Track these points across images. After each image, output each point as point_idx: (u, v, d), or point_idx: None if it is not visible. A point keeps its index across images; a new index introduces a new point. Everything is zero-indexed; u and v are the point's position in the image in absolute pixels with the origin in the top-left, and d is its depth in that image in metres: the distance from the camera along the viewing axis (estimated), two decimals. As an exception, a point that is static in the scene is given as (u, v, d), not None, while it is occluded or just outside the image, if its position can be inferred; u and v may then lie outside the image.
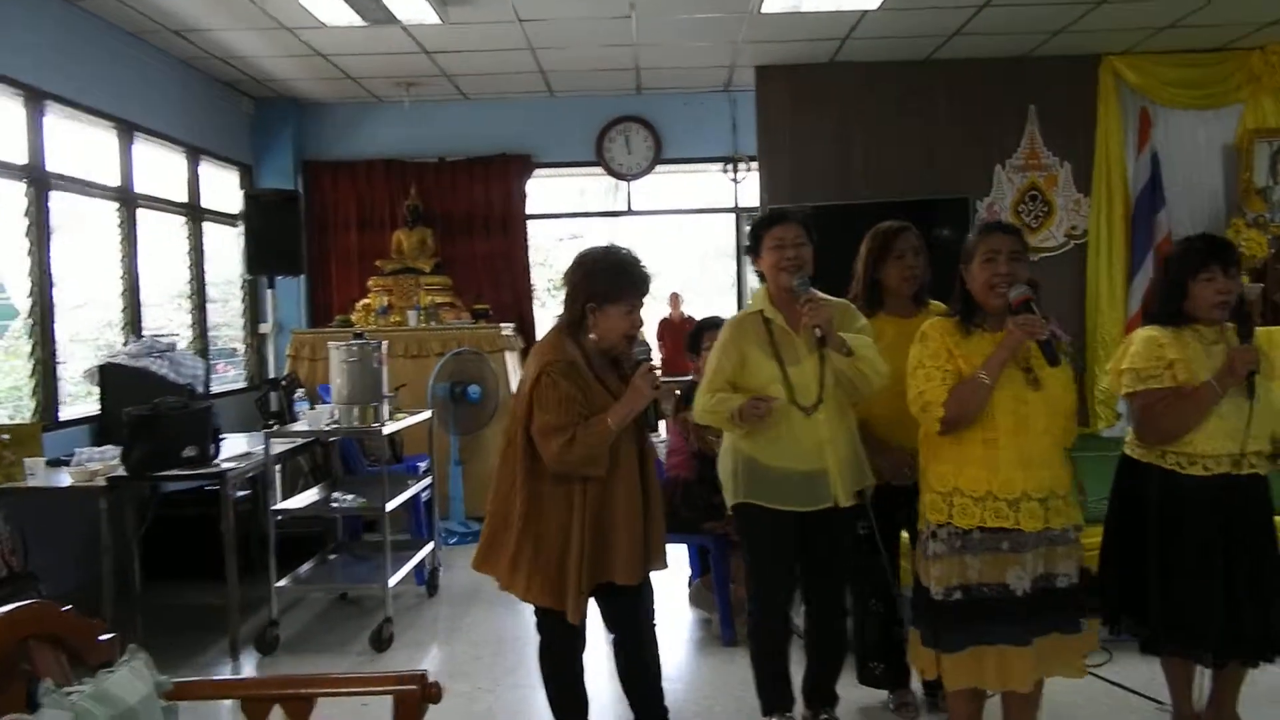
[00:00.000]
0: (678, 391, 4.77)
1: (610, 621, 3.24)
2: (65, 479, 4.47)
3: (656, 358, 8.75)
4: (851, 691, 3.67)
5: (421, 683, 2.16)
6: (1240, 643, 3.03)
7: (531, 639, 4.68)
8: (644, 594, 3.18)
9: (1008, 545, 2.77)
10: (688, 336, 5.05)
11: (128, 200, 6.15)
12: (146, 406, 4.47)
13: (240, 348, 7.90)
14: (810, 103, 7.28)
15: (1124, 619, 3.18)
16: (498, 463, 3.14)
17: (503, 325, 7.53)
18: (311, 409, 5.25)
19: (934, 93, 7.23)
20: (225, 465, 4.61)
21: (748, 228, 3.76)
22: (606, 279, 2.98)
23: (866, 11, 5.93)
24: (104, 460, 4.59)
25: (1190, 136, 7.18)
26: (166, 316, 6.91)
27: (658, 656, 3.27)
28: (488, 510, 3.15)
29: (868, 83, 7.23)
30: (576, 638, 3.17)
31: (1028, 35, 6.66)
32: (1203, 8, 6.06)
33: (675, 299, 10.90)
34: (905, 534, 3.58)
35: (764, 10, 5.79)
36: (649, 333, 9.41)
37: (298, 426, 5.07)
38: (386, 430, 4.81)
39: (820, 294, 3.21)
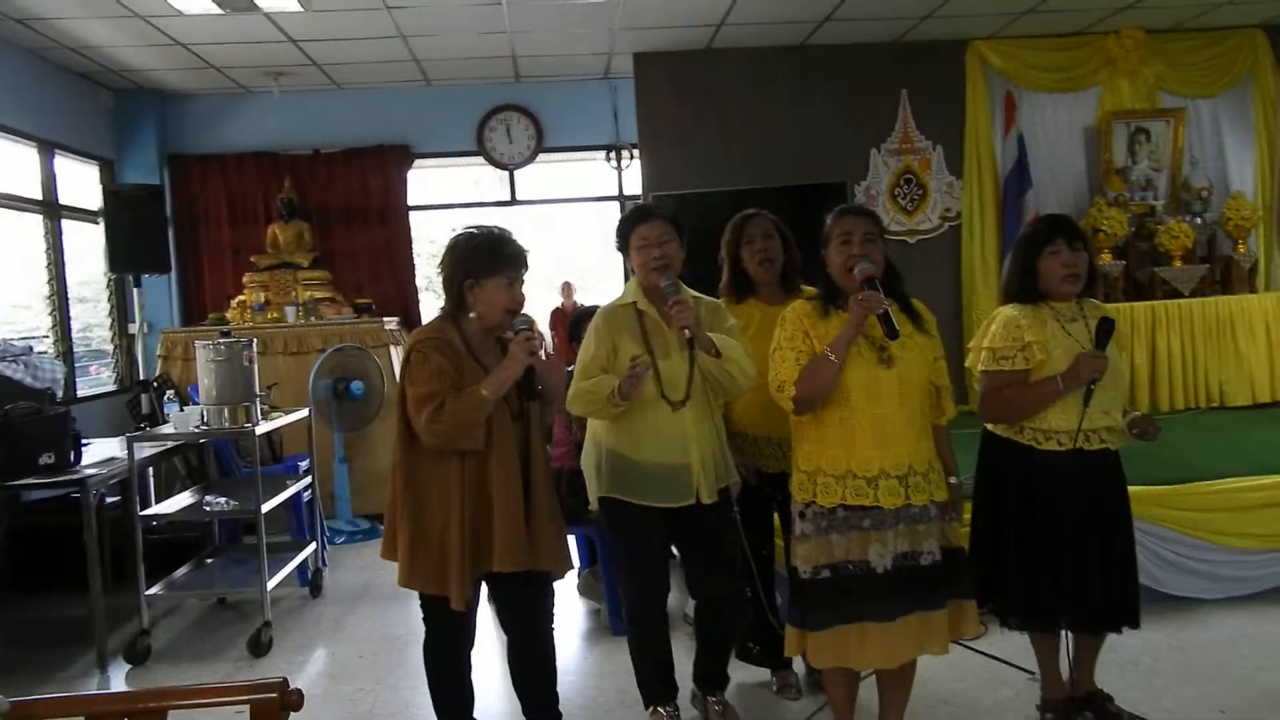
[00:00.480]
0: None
1: (501, 615, 3.18)
2: (-91, 493, 4.22)
3: (547, 339, 8.76)
4: (735, 671, 3.70)
5: (280, 690, 2.07)
6: (1090, 615, 3.14)
7: (416, 637, 4.63)
8: (540, 591, 3.12)
9: (869, 523, 2.80)
10: (569, 325, 5.02)
11: (-27, 198, 5.82)
12: (-3, 414, 4.25)
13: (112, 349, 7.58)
14: (689, 90, 7.30)
15: (992, 596, 3.24)
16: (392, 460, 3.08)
17: (386, 319, 7.38)
18: (182, 410, 5.05)
19: (811, 78, 7.33)
20: (87, 472, 4.40)
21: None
22: (480, 254, 2.95)
23: (737, -3, 5.98)
24: (-48, 472, 4.34)
25: (1053, 118, 7.46)
26: (36, 319, 6.60)
27: (552, 657, 3.21)
28: (387, 504, 3.09)
29: (746, 69, 7.29)
30: (461, 628, 3.10)
31: (897, 21, 6.80)
32: (1060, -7, 6.29)
33: (567, 288, 10.82)
34: (776, 515, 3.62)
35: (635, -5, 5.78)
36: (542, 323, 9.33)
37: (165, 429, 4.87)
38: (259, 431, 4.66)
39: (691, 292, 3.23)
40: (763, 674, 3.85)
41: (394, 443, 3.02)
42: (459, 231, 3.06)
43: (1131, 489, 3.25)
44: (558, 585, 3.23)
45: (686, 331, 3.09)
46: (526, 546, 2.96)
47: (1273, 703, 3.54)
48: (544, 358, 2.95)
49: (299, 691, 2.10)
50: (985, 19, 6.84)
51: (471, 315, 2.98)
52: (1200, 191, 7.23)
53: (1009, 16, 6.79)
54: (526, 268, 3.02)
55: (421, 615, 3.14)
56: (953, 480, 2.98)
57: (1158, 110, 7.37)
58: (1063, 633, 3.29)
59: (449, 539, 2.90)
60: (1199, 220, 7.17)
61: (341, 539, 6.52)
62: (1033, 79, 7.35)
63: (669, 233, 3.22)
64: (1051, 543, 3.08)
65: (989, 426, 3.29)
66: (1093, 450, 3.09)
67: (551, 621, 3.20)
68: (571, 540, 5.16)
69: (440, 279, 3.06)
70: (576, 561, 5.25)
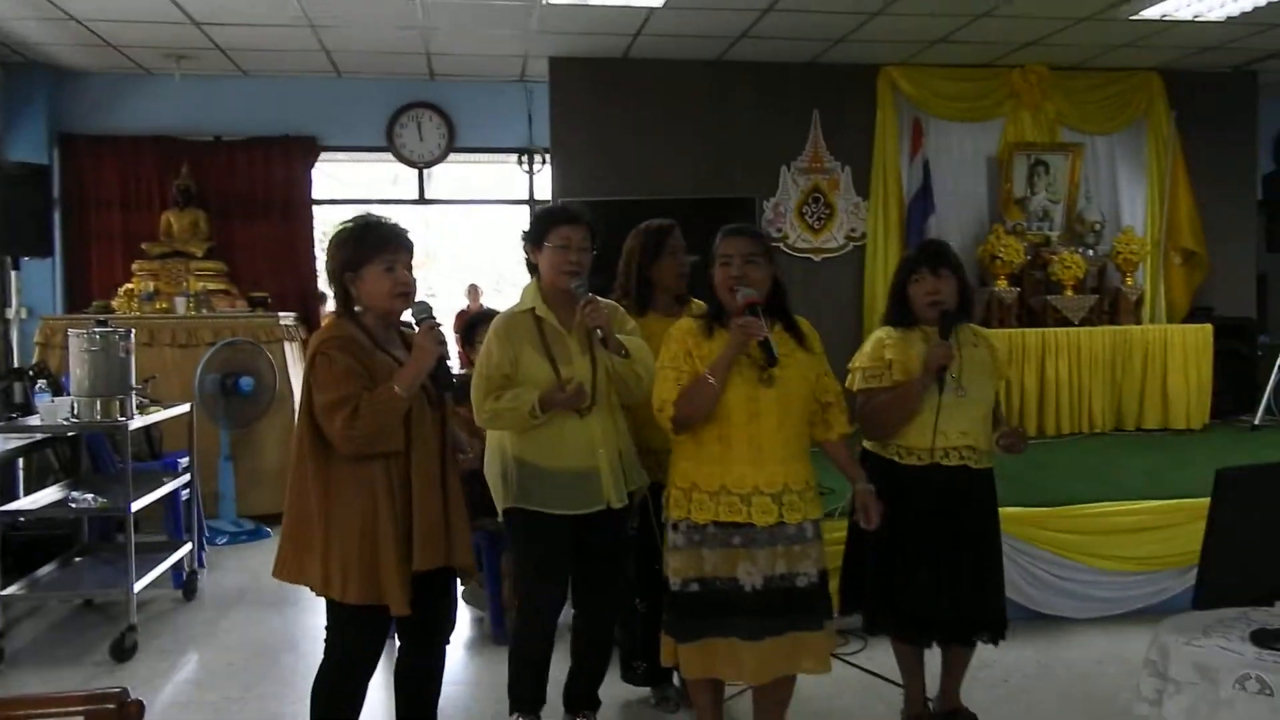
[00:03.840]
0: None
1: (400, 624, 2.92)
2: None
3: (449, 330, 8.64)
4: (614, 688, 3.66)
5: (119, 700, 1.97)
6: (953, 626, 3.22)
7: (292, 644, 4.49)
8: (444, 593, 2.94)
9: (739, 540, 2.82)
10: (463, 328, 4.94)
11: None
12: None
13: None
14: (604, 97, 7.28)
15: (862, 606, 3.33)
16: (291, 470, 2.83)
17: (282, 315, 7.17)
18: (53, 401, 4.82)
19: (725, 94, 7.37)
20: (-58, 463, 4.17)
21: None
22: (352, 243, 2.80)
23: (653, 9, 5.97)
24: None
25: (958, 147, 7.63)
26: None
27: (442, 666, 3.05)
28: (284, 519, 2.84)
29: (661, 80, 7.30)
30: (376, 650, 2.86)
31: (811, 42, 6.88)
32: (968, 24, 6.43)
33: (474, 291, 10.68)
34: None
35: (551, 0, 5.72)
36: (447, 327, 9.26)
37: (31, 420, 4.64)
38: (134, 425, 4.47)
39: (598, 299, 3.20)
40: (643, 690, 3.81)
41: (297, 454, 2.78)
42: (336, 227, 2.91)
43: (1009, 510, 3.37)
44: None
45: (599, 332, 3.07)
46: (444, 542, 2.82)
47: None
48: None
49: (139, 703, 1.99)
50: (898, 45, 6.96)
51: (357, 309, 2.82)
52: (1093, 225, 7.45)
53: (920, 45, 6.93)
54: (408, 249, 2.84)
55: (327, 638, 2.84)
56: (860, 486, 3.00)
57: (1057, 144, 7.58)
58: (932, 648, 3.35)
59: (382, 541, 2.70)
60: (1091, 252, 7.40)
61: (224, 540, 6.29)
62: (940, 107, 7.51)
63: (588, 240, 3.19)
64: (916, 554, 3.15)
65: (865, 444, 3.36)
66: (951, 466, 3.18)
67: (452, 628, 3.06)
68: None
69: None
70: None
